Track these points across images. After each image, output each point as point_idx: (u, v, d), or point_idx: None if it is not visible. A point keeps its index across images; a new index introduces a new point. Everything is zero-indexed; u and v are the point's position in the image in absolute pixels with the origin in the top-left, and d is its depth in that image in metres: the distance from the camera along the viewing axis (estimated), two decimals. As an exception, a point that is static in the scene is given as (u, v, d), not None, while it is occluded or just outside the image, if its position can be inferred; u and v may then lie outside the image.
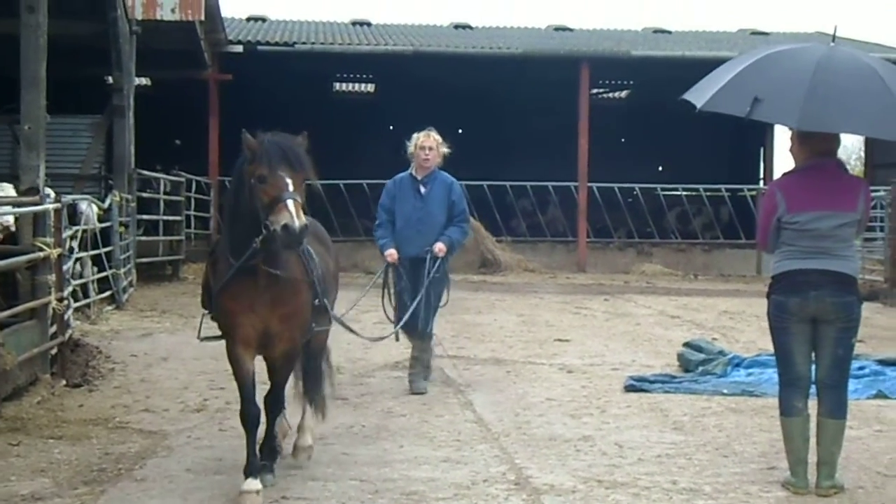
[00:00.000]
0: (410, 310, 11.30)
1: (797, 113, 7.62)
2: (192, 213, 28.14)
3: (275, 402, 8.08)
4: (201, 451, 9.09)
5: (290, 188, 7.02)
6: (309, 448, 8.59)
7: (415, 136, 11.49)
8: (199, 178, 28.95)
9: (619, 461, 9.03)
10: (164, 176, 25.36)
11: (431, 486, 8.20)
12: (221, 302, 7.71)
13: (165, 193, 25.14)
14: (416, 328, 11.58)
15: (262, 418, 7.89)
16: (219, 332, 8.22)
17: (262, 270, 7.40)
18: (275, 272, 7.45)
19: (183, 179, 26.72)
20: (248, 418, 7.63)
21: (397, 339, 11.81)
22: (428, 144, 11.28)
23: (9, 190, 15.37)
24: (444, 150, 11.48)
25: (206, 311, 8.29)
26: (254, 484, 7.30)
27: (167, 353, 14.22)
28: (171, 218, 25.41)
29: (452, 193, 11.51)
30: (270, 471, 7.93)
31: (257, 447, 7.74)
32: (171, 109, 31.47)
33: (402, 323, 11.43)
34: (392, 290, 11.56)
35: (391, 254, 11.39)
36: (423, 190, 11.38)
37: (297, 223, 6.87)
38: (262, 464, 7.77)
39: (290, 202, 6.91)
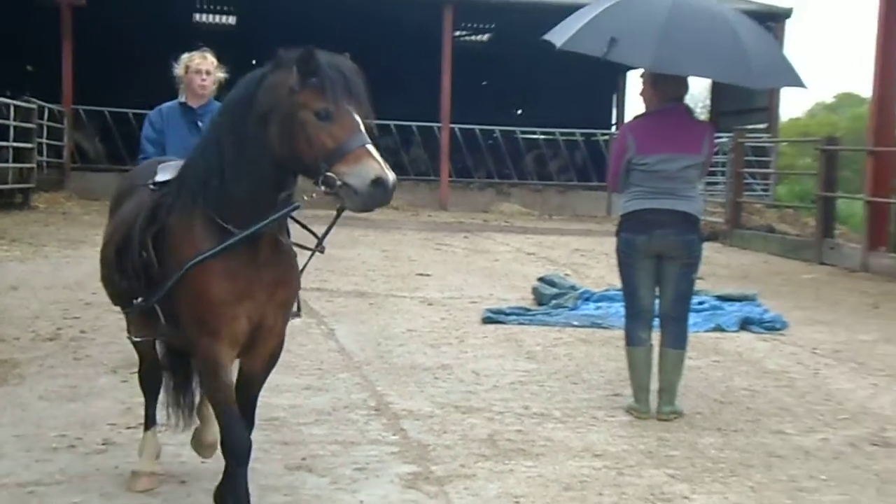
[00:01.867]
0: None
1: (651, 55, 7.65)
2: (44, 140, 27.55)
3: (249, 425, 5.66)
4: (55, 380, 8.84)
5: (363, 130, 5.05)
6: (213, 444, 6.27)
7: (185, 56, 9.04)
8: (51, 106, 28.37)
9: (475, 388, 9.14)
10: (14, 102, 24.70)
11: (293, 412, 8.19)
12: (206, 283, 5.17)
13: (15, 120, 24.45)
14: None
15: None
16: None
17: (268, 241, 5.24)
18: (285, 242, 5.44)
19: (34, 106, 26.17)
20: (242, 449, 5.34)
21: None
22: (205, 67, 8.93)
23: None
24: (221, 74, 9.03)
25: (142, 299, 5.58)
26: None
27: (17, 281, 13.84)
28: (21, 145, 24.88)
29: None
30: None
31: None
32: (20, 35, 30.58)
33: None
34: None
35: None
36: (199, 123, 8.65)
37: (390, 177, 4.89)
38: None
39: (371, 148, 4.94)
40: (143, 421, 6.65)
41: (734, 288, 14.97)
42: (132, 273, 5.54)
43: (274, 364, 5.72)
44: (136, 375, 6.72)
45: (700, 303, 12.18)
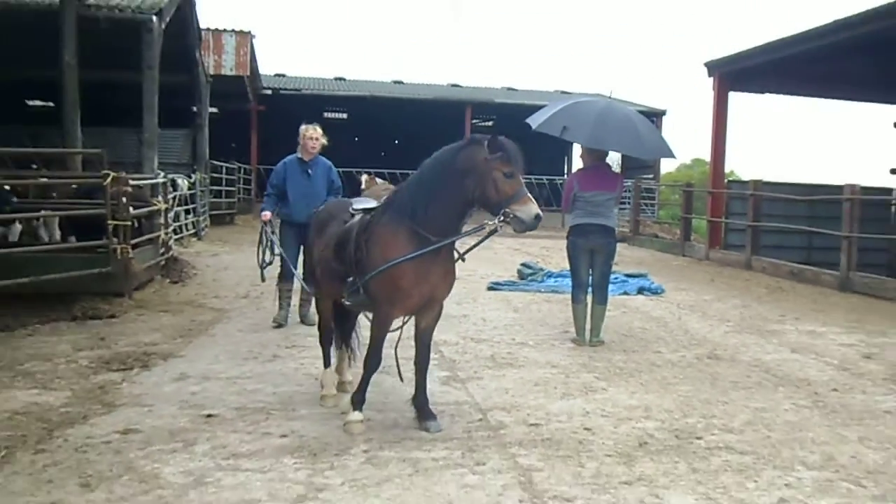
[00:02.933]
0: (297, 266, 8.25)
1: (587, 136, 7.75)
2: (241, 186, 27.65)
3: (425, 358, 5.63)
4: (246, 320, 9.11)
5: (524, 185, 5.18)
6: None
7: (303, 127, 8.98)
8: (244, 166, 28.55)
9: (482, 327, 9.14)
10: (226, 164, 25.08)
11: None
12: (401, 273, 5.10)
13: (226, 174, 24.80)
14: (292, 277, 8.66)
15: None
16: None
17: (447, 247, 5.26)
18: (455, 249, 5.46)
19: (236, 166, 26.43)
20: (376, 363, 5.45)
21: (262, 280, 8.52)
22: (315, 136, 8.89)
23: (182, 182, 15.63)
24: (324, 141, 9.03)
25: (358, 279, 5.34)
26: (356, 415, 5.41)
27: (227, 265, 14.07)
28: (229, 188, 24.98)
29: (331, 174, 9.00)
30: (432, 417, 5.52)
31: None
32: (229, 127, 30.89)
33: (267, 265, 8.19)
34: (266, 244, 8.07)
35: (266, 215, 8.34)
36: (310, 171, 8.86)
37: (541, 214, 5.08)
38: (427, 412, 5.55)
39: (531, 196, 5.06)
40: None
41: (634, 269, 14.79)
42: (349, 263, 5.42)
43: (437, 321, 5.59)
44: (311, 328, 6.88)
45: (615, 278, 12.09)
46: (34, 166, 14.15)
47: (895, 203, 19.18)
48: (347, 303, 5.58)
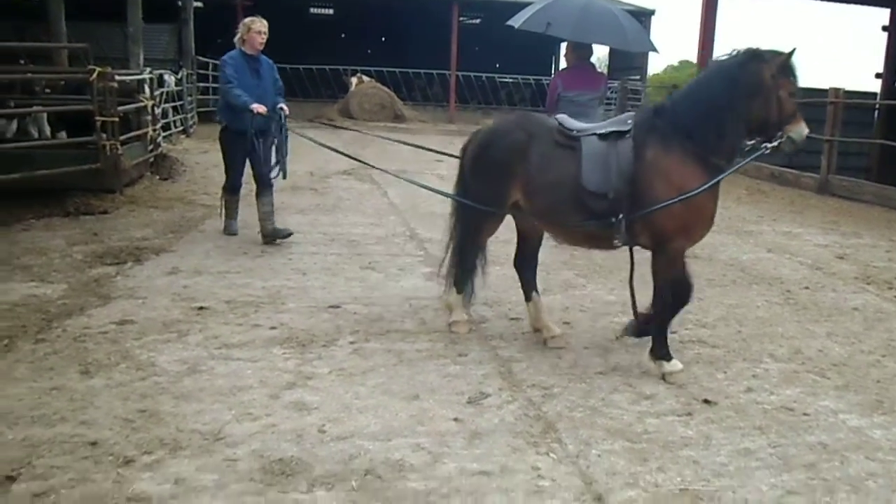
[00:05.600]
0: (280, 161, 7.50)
1: (570, 31, 7.67)
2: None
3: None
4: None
5: None
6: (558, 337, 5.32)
7: (248, 19, 7.94)
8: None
9: None
10: (212, 60, 24.46)
11: (363, 237, 8.42)
12: (706, 202, 4.69)
13: (213, 70, 24.30)
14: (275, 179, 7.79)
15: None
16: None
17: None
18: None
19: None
20: (684, 300, 4.97)
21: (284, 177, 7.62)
22: (264, 30, 7.80)
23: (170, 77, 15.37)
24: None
25: (629, 215, 4.70)
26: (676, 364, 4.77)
27: (217, 161, 13.33)
28: (215, 85, 24.42)
29: (275, 72, 7.95)
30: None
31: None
32: (216, 22, 30.11)
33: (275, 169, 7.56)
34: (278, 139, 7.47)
35: (260, 106, 7.31)
36: (259, 70, 7.77)
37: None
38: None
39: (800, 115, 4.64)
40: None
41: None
42: (616, 198, 4.66)
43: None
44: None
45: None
46: (22, 62, 13.88)
47: (878, 107, 19.16)
48: (617, 242, 4.86)
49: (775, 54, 4.58)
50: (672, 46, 51.34)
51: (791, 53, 4.54)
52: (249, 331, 5.22)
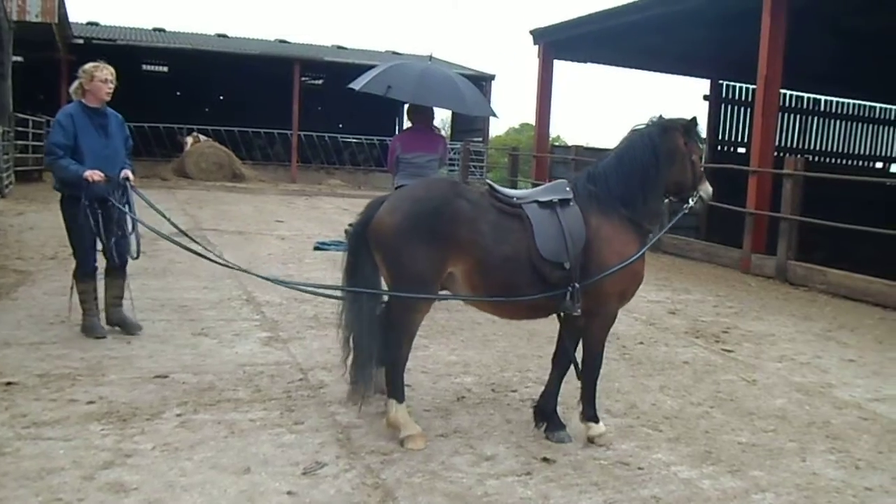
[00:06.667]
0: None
1: (411, 94, 7.78)
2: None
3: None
4: (53, 283, 8.55)
5: None
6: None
7: (90, 65, 6.52)
8: (52, 119, 26.51)
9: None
10: (33, 117, 23.36)
11: (196, 301, 8.13)
12: (641, 268, 4.82)
13: (33, 128, 23.12)
14: (130, 259, 6.78)
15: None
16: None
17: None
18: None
19: (44, 120, 24.32)
20: (599, 366, 4.93)
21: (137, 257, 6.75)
22: (111, 77, 6.54)
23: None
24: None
25: (578, 284, 4.59)
26: (601, 427, 4.82)
27: (33, 224, 13.18)
28: (36, 143, 23.10)
29: (125, 129, 6.71)
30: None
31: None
32: (37, 78, 28.75)
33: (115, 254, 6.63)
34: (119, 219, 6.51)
35: (96, 173, 6.16)
36: (107, 126, 6.48)
37: None
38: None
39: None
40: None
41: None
42: (572, 266, 4.53)
43: None
44: None
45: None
46: None
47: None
48: (568, 312, 4.68)
49: (683, 122, 4.91)
50: (513, 109, 53.48)
51: (694, 120, 4.93)
52: (64, 406, 4.85)
